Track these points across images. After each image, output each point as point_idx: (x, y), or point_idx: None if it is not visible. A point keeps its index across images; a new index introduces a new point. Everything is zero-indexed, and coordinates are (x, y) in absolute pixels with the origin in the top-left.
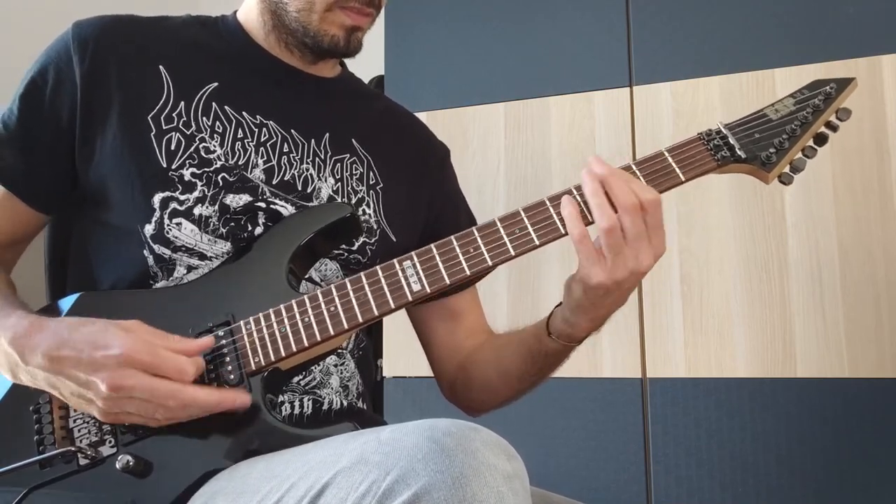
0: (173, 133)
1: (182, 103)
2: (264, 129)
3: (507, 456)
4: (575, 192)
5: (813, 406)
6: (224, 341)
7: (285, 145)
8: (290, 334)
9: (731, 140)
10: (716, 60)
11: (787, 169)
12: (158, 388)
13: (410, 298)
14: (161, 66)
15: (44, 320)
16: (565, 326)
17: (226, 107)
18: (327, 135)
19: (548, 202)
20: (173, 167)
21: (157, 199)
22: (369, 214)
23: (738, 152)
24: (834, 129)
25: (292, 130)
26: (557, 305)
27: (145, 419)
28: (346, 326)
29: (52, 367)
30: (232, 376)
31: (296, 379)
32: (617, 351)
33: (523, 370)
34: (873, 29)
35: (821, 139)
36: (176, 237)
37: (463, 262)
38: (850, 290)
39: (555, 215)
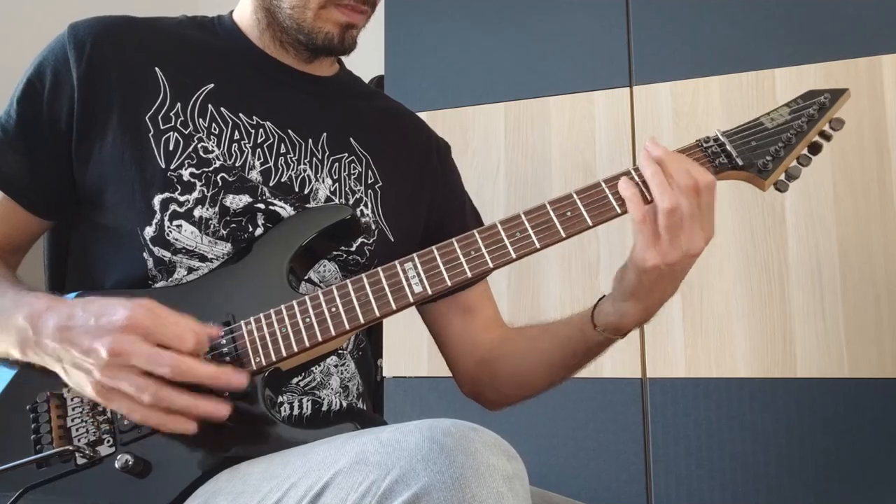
0: (171, 133)
1: (179, 104)
2: (261, 131)
3: (507, 456)
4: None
5: (813, 406)
6: (224, 341)
7: (282, 146)
8: (290, 334)
9: (729, 147)
10: (716, 60)
11: (782, 176)
12: (158, 355)
13: (412, 300)
14: (157, 68)
15: (60, 299)
16: (615, 317)
17: (222, 108)
18: (325, 134)
19: (548, 205)
20: (172, 167)
21: (157, 200)
22: (367, 214)
23: (736, 159)
24: (828, 138)
25: (289, 131)
26: (601, 298)
27: (132, 402)
28: (347, 327)
29: (61, 336)
30: None
31: (295, 380)
32: (617, 351)
33: (562, 362)
34: (873, 29)
35: (815, 148)
36: (176, 239)
37: (464, 263)
38: (850, 290)
39: (555, 218)
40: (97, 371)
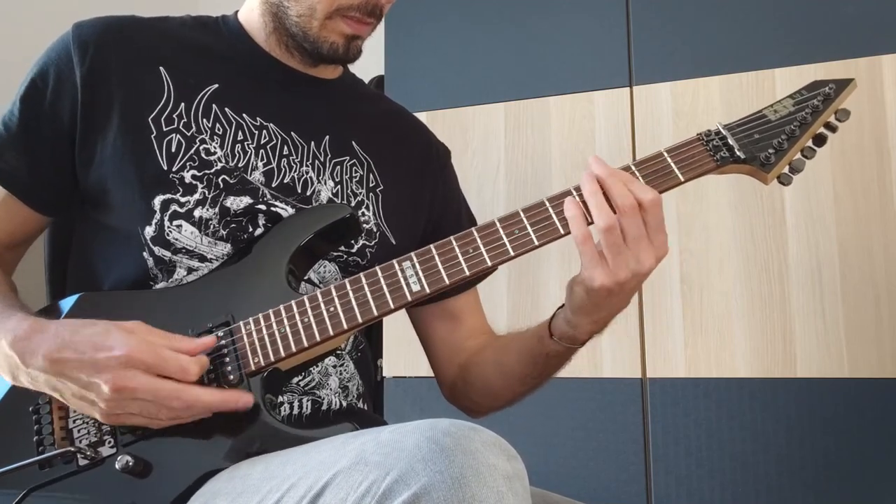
0: (174, 135)
1: (182, 105)
2: (264, 132)
3: (507, 456)
4: (574, 193)
5: (813, 406)
6: (224, 341)
7: (285, 148)
8: (289, 335)
9: (731, 140)
10: (716, 60)
11: (786, 170)
12: (162, 389)
13: (410, 299)
14: (161, 68)
15: (44, 322)
16: (567, 328)
17: (226, 109)
18: (327, 137)
19: (547, 203)
20: (174, 169)
21: (157, 201)
22: (369, 217)
23: (738, 153)
24: (833, 129)
25: (292, 133)
26: (560, 307)
27: (148, 420)
28: (345, 327)
29: (53, 369)
30: (231, 377)
31: (295, 380)
32: (617, 351)
33: (525, 372)
34: (873, 29)
35: (820, 140)
36: (176, 239)
37: (462, 262)
38: (850, 290)
39: (554, 216)
40: (102, 402)
